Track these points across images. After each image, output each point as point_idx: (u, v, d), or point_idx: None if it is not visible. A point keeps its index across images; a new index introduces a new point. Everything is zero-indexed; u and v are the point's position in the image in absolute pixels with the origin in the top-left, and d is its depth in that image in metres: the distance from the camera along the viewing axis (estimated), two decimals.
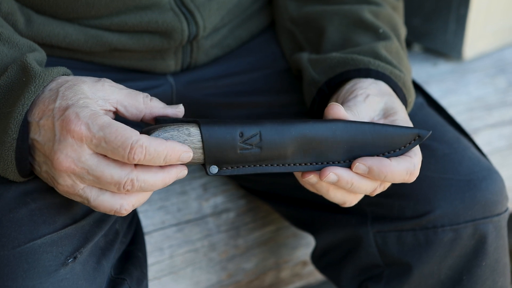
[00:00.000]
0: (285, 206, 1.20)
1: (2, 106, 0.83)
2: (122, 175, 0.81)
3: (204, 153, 0.86)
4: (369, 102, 0.93)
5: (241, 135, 0.87)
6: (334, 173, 0.88)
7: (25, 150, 0.83)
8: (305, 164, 0.89)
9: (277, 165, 0.88)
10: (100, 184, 0.81)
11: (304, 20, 1.11)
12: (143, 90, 1.08)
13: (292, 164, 0.89)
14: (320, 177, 0.88)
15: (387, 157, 0.89)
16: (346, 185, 0.89)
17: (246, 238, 1.29)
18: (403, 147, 0.90)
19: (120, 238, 0.97)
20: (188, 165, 0.86)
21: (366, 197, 1.06)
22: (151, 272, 1.21)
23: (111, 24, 1.03)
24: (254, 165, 0.88)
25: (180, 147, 0.82)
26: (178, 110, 0.88)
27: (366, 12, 1.07)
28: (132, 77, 1.09)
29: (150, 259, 1.20)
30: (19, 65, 0.85)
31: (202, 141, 0.85)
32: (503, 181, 1.05)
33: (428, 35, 1.67)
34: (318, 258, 1.20)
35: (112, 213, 0.84)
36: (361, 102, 0.92)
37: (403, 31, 1.10)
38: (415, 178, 0.90)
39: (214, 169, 0.86)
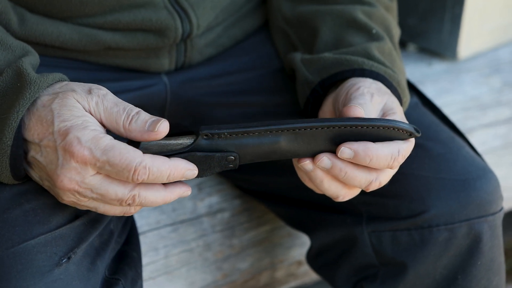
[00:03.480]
0: (280, 206, 1.20)
1: None
2: (126, 192, 0.82)
3: (194, 135, 0.84)
4: (374, 102, 0.93)
5: None
6: (328, 157, 0.88)
7: (20, 157, 0.83)
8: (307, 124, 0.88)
9: (275, 123, 0.86)
10: (104, 200, 0.83)
11: (298, 20, 1.11)
12: (137, 89, 1.09)
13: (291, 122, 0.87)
14: (314, 161, 0.88)
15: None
16: (339, 173, 0.88)
17: (241, 238, 1.29)
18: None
19: (115, 238, 0.97)
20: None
21: (361, 196, 1.06)
22: (146, 272, 1.20)
23: (105, 23, 1.02)
24: (251, 126, 0.86)
25: (184, 165, 0.83)
26: (156, 134, 0.83)
27: (359, 13, 1.07)
28: (126, 77, 1.09)
29: (145, 259, 1.20)
30: (14, 70, 0.85)
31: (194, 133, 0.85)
32: (498, 181, 1.05)
33: (423, 34, 1.67)
34: (313, 258, 1.20)
35: (121, 214, 0.86)
36: (368, 102, 0.92)
37: (396, 32, 1.10)
38: (398, 166, 0.90)
39: (204, 129, 0.84)
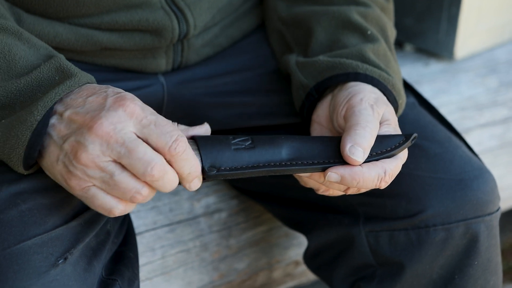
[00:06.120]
0: (277, 206, 1.20)
1: (30, 98, 0.84)
2: (155, 157, 0.81)
3: (200, 153, 0.85)
4: (376, 116, 0.94)
5: (233, 138, 0.89)
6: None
7: (41, 136, 0.82)
8: (302, 163, 0.90)
9: (274, 164, 0.88)
10: (130, 158, 0.81)
11: (293, 21, 1.11)
12: (134, 89, 1.08)
13: (289, 163, 0.89)
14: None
15: (377, 158, 0.90)
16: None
17: (238, 238, 1.29)
18: (389, 149, 0.91)
19: (112, 239, 0.97)
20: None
21: (358, 196, 1.06)
22: (143, 272, 1.20)
23: (102, 23, 1.02)
24: (252, 166, 0.88)
25: (199, 170, 0.85)
26: (206, 128, 0.90)
27: (354, 13, 1.07)
28: (123, 77, 1.09)
29: (142, 260, 1.20)
30: (53, 64, 0.86)
31: (197, 144, 0.86)
32: (495, 181, 1.05)
33: (419, 35, 1.67)
34: (310, 258, 1.20)
35: (129, 195, 0.82)
36: (371, 116, 0.93)
37: (392, 33, 1.10)
38: (386, 185, 0.92)
39: (212, 170, 0.86)
